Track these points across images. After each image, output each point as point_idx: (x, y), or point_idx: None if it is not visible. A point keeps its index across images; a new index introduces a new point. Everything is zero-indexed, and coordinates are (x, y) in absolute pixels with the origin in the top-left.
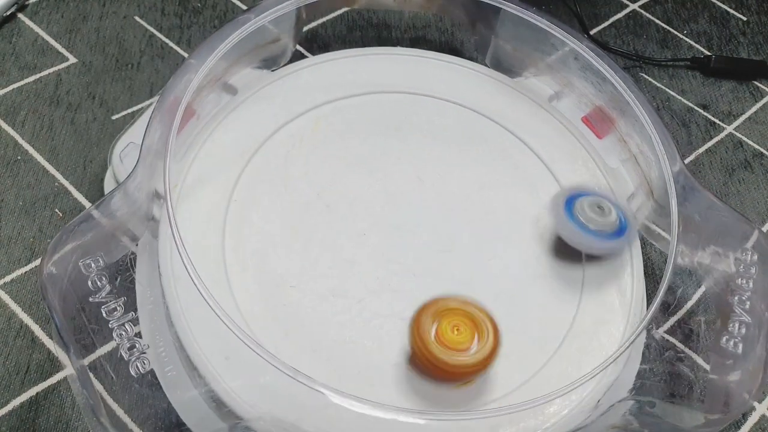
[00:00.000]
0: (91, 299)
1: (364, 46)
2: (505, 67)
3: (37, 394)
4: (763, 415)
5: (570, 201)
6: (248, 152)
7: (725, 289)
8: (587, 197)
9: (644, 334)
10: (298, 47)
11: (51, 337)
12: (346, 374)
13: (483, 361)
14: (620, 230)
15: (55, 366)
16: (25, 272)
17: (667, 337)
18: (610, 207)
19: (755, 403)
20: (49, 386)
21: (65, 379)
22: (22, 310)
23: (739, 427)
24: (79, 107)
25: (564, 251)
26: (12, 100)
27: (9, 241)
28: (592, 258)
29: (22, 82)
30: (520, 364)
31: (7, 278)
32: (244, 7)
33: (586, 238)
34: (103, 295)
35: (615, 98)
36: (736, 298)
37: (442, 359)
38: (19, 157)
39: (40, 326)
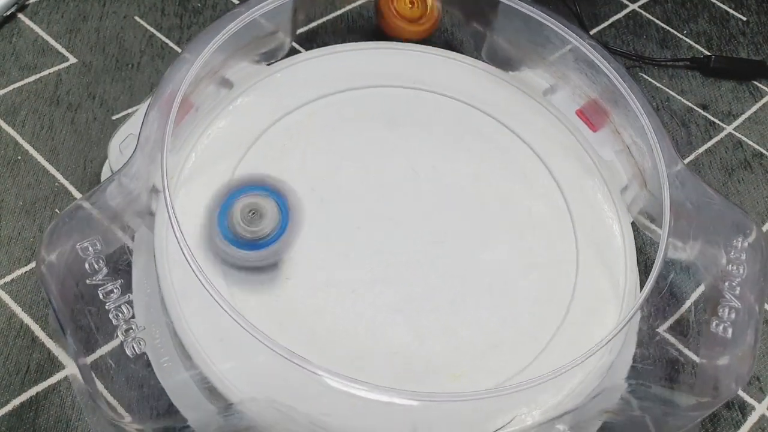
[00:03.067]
0: (88, 281)
1: None
2: (500, 60)
3: (37, 394)
4: (763, 415)
5: (228, 202)
6: (244, 145)
7: (716, 275)
8: (243, 197)
9: (637, 322)
10: (297, 46)
11: (51, 337)
12: (340, 363)
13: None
14: (275, 236)
15: (55, 366)
16: (26, 272)
17: (659, 323)
18: (265, 209)
19: (755, 403)
20: (49, 386)
21: (65, 378)
22: (22, 310)
23: (739, 427)
24: (79, 107)
25: (557, 243)
26: (12, 100)
27: (9, 241)
28: (586, 248)
29: (22, 82)
30: (513, 354)
31: (7, 278)
32: None
33: (230, 249)
34: (100, 277)
35: (609, 89)
36: (726, 284)
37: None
38: (19, 157)
39: (40, 326)
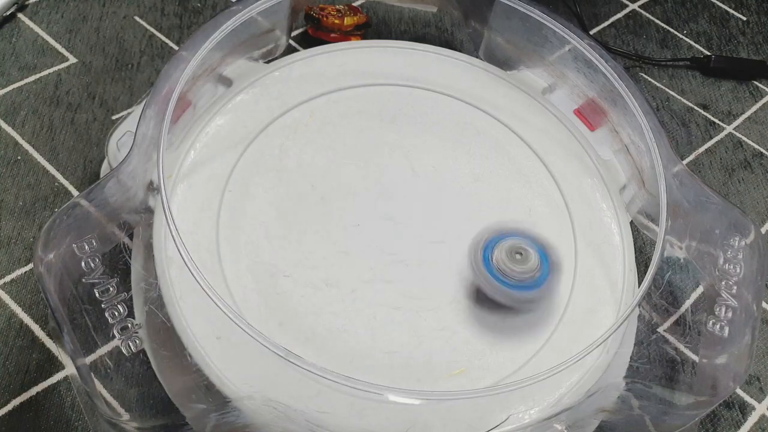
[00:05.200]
0: (84, 280)
1: None
2: (498, 59)
3: (37, 393)
4: (763, 415)
5: (489, 246)
6: (243, 143)
7: (713, 274)
8: (506, 240)
9: (635, 321)
10: (295, 44)
11: (51, 337)
12: (339, 362)
13: None
14: (541, 278)
15: (55, 366)
16: (25, 272)
17: (657, 322)
18: (530, 252)
19: (755, 403)
20: (49, 386)
21: (65, 378)
22: (22, 310)
23: (739, 427)
24: (79, 107)
25: (556, 242)
26: (12, 100)
27: (9, 241)
28: (584, 247)
29: (22, 82)
30: (511, 353)
31: (7, 278)
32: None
33: (503, 289)
34: (97, 276)
35: (607, 89)
36: (724, 283)
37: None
38: (19, 157)
39: (40, 326)
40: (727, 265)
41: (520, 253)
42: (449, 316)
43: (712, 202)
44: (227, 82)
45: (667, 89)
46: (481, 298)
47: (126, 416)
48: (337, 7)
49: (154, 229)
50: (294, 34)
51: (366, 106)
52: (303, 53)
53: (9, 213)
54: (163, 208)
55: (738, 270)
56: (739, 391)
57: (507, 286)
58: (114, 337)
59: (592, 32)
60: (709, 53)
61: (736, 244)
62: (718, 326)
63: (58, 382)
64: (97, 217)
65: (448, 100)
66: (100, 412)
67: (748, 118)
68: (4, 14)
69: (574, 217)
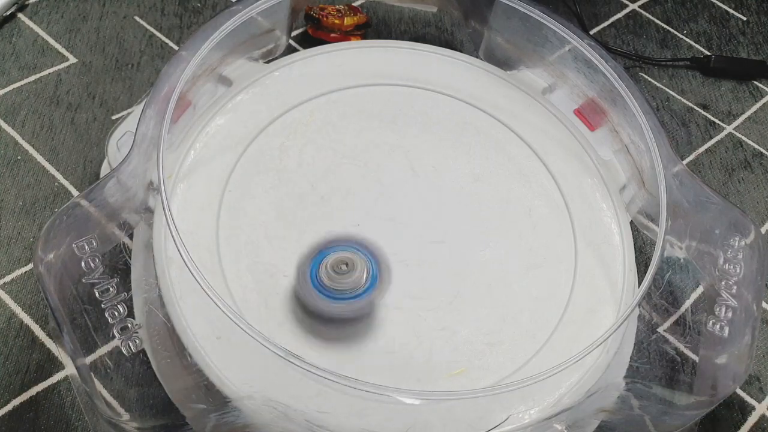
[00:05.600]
0: (84, 280)
1: None
2: (498, 59)
3: (37, 393)
4: (763, 415)
5: (318, 259)
6: (243, 143)
7: (713, 274)
8: (334, 253)
9: (635, 321)
10: (295, 44)
11: (51, 337)
12: (338, 363)
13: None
14: (367, 288)
15: (55, 366)
16: (25, 272)
17: (657, 322)
18: (355, 262)
19: (755, 403)
20: (49, 386)
21: (65, 378)
22: (22, 310)
23: (739, 427)
24: (79, 107)
25: (556, 242)
26: (12, 100)
27: (9, 241)
28: (584, 247)
29: (22, 82)
30: (511, 353)
31: (7, 278)
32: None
33: (321, 301)
34: (97, 276)
35: (607, 89)
36: (723, 283)
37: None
38: (19, 157)
39: (40, 326)
40: (727, 265)
41: (346, 263)
42: (449, 316)
43: (712, 202)
44: (227, 82)
45: (667, 89)
46: (482, 298)
47: (126, 416)
48: (337, 7)
49: (154, 229)
50: (294, 34)
51: (366, 106)
52: (303, 53)
53: (9, 213)
54: (163, 208)
55: (738, 270)
56: (739, 391)
57: (328, 298)
58: (114, 337)
59: (592, 32)
60: (709, 53)
61: (736, 244)
62: (718, 326)
63: (58, 382)
64: (97, 217)
65: (448, 100)
66: (100, 412)
67: (748, 118)
68: (4, 14)
69: (574, 217)
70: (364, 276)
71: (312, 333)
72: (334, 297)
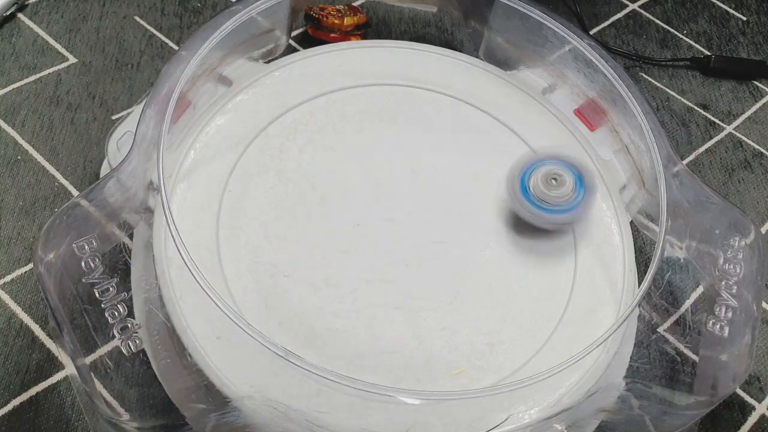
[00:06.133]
0: (84, 280)
1: None
2: (498, 59)
3: (37, 393)
4: (763, 415)
5: (526, 172)
6: (243, 143)
7: (713, 274)
8: (542, 166)
9: (635, 321)
10: (295, 44)
11: (51, 337)
12: (339, 362)
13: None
14: (576, 202)
15: (55, 366)
16: (25, 272)
17: (657, 322)
18: (565, 176)
19: (755, 403)
20: (49, 386)
21: (65, 378)
22: (22, 310)
23: (739, 427)
24: (79, 107)
25: (556, 242)
26: (12, 100)
27: (9, 241)
28: (584, 247)
29: (22, 82)
30: (511, 352)
31: (7, 278)
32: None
33: (537, 213)
34: (96, 275)
35: (607, 89)
36: (724, 283)
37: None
38: (19, 157)
39: (40, 326)
40: (727, 265)
41: (555, 179)
42: (449, 316)
43: (712, 202)
44: (227, 82)
45: (667, 89)
46: (482, 298)
47: (126, 416)
48: (337, 7)
49: (153, 229)
50: (294, 34)
51: (366, 106)
52: (303, 53)
53: (9, 213)
54: (163, 208)
55: (738, 270)
56: (739, 391)
57: (545, 211)
58: (114, 337)
59: (592, 32)
60: (709, 53)
61: (736, 244)
62: (718, 326)
63: (58, 382)
64: (97, 217)
65: (448, 100)
66: (100, 412)
67: (748, 118)
68: (4, 14)
69: None
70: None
71: (313, 333)
72: (546, 209)
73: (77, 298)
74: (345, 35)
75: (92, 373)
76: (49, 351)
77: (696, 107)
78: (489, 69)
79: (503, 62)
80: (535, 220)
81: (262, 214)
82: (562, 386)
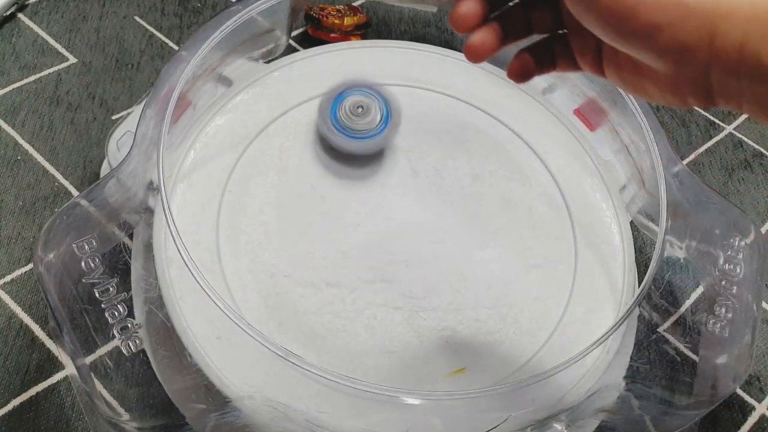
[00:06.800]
0: (84, 280)
1: None
2: (498, 59)
3: (37, 393)
4: (763, 415)
5: (337, 100)
6: (243, 143)
7: (713, 274)
8: (351, 95)
9: (635, 321)
10: (295, 44)
11: (51, 337)
12: (339, 362)
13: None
14: (381, 129)
15: (55, 366)
16: (26, 272)
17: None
18: (370, 105)
19: (755, 403)
20: (49, 386)
21: (65, 378)
22: (22, 310)
23: (739, 427)
24: (79, 107)
25: (556, 242)
26: (12, 100)
27: (9, 241)
28: (585, 247)
29: (22, 82)
30: (511, 352)
31: (7, 278)
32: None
33: (341, 138)
34: (97, 276)
35: (607, 89)
36: (723, 283)
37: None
38: (19, 157)
39: (40, 326)
40: (727, 265)
41: (362, 107)
42: (449, 316)
43: (712, 202)
44: (227, 82)
45: None
46: (482, 298)
47: (126, 416)
48: (337, 7)
49: (154, 229)
50: (294, 34)
51: None
52: (303, 53)
53: (9, 213)
54: (163, 208)
55: (738, 270)
56: (739, 391)
57: (347, 136)
58: (114, 337)
59: None
60: None
61: (736, 244)
62: (718, 326)
63: (58, 382)
64: (97, 217)
65: (448, 100)
66: (100, 412)
67: (748, 118)
68: (4, 14)
69: (574, 217)
70: (378, 118)
71: (313, 333)
72: (352, 136)
73: (77, 298)
74: (345, 35)
75: (92, 373)
76: (49, 351)
77: (696, 107)
78: (489, 69)
79: (503, 62)
80: (342, 146)
81: (262, 214)
82: (562, 386)
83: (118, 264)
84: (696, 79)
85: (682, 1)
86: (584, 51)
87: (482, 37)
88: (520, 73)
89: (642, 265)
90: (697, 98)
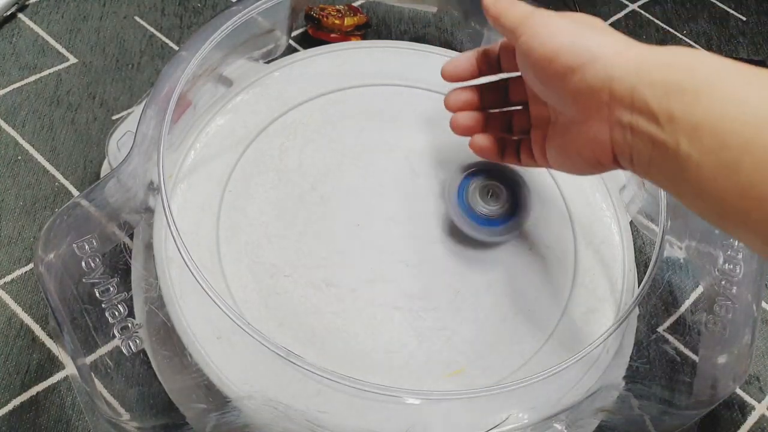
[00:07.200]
0: (84, 280)
1: None
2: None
3: (37, 393)
4: (763, 415)
5: (465, 182)
6: (243, 143)
7: (713, 274)
8: (479, 179)
9: (635, 321)
10: (295, 44)
11: (51, 337)
12: (339, 362)
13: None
14: (509, 217)
15: (55, 366)
16: (26, 272)
17: (657, 322)
18: (502, 191)
19: (755, 403)
20: (49, 386)
21: (65, 378)
22: (23, 310)
23: (739, 427)
24: (79, 107)
25: (556, 242)
26: (12, 100)
27: (9, 241)
28: (584, 247)
29: (22, 82)
30: (511, 352)
31: (8, 278)
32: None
33: (470, 224)
34: (97, 275)
35: None
36: (723, 283)
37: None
38: (19, 157)
39: (40, 326)
40: (726, 265)
41: (494, 192)
42: (449, 316)
43: None
44: (227, 82)
45: None
46: (482, 298)
47: (126, 416)
48: (337, 7)
49: (154, 229)
50: (294, 34)
51: (366, 106)
52: (303, 53)
53: (9, 213)
54: (163, 208)
55: (737, 270)
56: (739, 391)
57: (476, 222)
58: (114, 336)
59: None
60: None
61: (736, 244)
62: (718, 326)
63: (58, 381)
64: (98, 217)
65: None
66: (100, 411)
67: None
68: (5, 14)
69: (574, 217)
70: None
71: (313, 333)
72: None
73: (77, 298)
74: (345, 35)
75: (92, 373)
76: (49, 351)
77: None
78: None
79: None
80: (465, 228)
81: (262, 214)
82: (562, 386)
83: (118, 264)
84: (603, 137)
85: (590, 49)
86: (536, 139)
87: (468, 120)
88: (483, 150)
89: (642, 265)
90: (607, 158)
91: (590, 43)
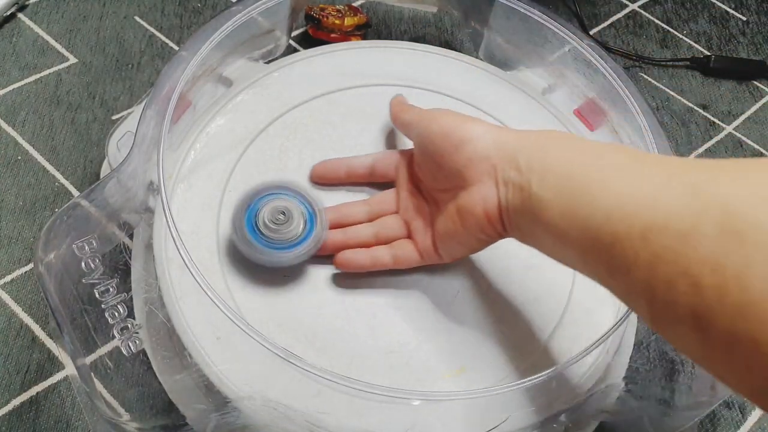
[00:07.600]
0: (84, 281)
1: None
2: (498, 59)
3: (37, 393)
4: (763, 415)
5: (253, 207)
6: (244, 143)
7: None
8: (270, 199)
9: (635, 321)
10: (295, 44)
11: (51, 337)
12: (339, 362)
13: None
14: (303, 238)
15: (55, 366)
16: (26, 272)
17: None
18: (292, 210)
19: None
20: (49, 386)
21: (65, 378)
22: (23, 310)
23: (739, 427)
24: (80, 107)
25: None
26: (12, 100)
27: (9, 241)
28: None
29: (22, 82)
30: (510, 353)
31: (8, 278)
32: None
33: (262, 251)
34: (97, 276)
35: (606, 89)
36: None
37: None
38: (19, 157)
39: (40, 326)
40: None
41: (284, 213)
42: (449, 316)
43: None
44: (227, 83)
45: (667, 89)
46: (482, 299)
47: (126, 416)
48: (338, 7)
49: (154, 230)
50: (294, 34)
51: (366, 106)
52: (303, 53)
53: (9, 213)
54: (163, 208)
55: None
56: None
57: (268, 247)
58: (114, 337)
59: (592, 32)
60: (709, 53)
61: None
62: None
63: (58, 382)
64: (98, 217)
65: (448, 100)
66: (100, 412)
67: (748, 118)
68: (5, 14)
69: None
70: (302, 224)
71: (313, 333)
72: (274, 246)
73: (77, 299)
74: (345, 35)
75: (92, 373)
76: (49, 351)
77: (696, 107)
78: (489, 69)
79: (503, 62)
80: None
81: None
82: (562, 386)
83: (118, 264)
84: (491, 195)
85: (478, 127)
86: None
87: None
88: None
89: None
90: (494, 217)
91: (476, 124)
